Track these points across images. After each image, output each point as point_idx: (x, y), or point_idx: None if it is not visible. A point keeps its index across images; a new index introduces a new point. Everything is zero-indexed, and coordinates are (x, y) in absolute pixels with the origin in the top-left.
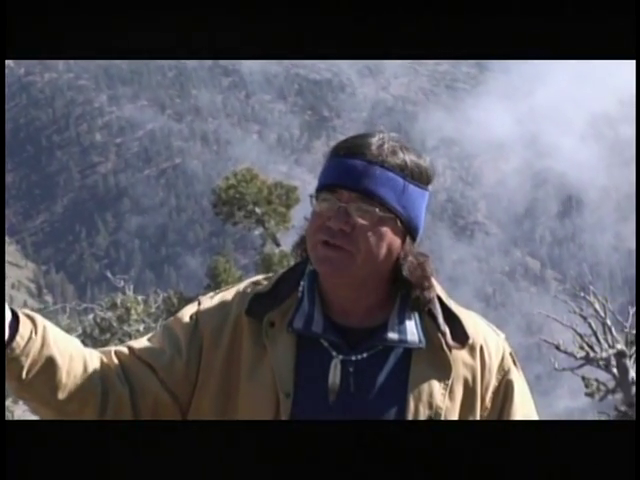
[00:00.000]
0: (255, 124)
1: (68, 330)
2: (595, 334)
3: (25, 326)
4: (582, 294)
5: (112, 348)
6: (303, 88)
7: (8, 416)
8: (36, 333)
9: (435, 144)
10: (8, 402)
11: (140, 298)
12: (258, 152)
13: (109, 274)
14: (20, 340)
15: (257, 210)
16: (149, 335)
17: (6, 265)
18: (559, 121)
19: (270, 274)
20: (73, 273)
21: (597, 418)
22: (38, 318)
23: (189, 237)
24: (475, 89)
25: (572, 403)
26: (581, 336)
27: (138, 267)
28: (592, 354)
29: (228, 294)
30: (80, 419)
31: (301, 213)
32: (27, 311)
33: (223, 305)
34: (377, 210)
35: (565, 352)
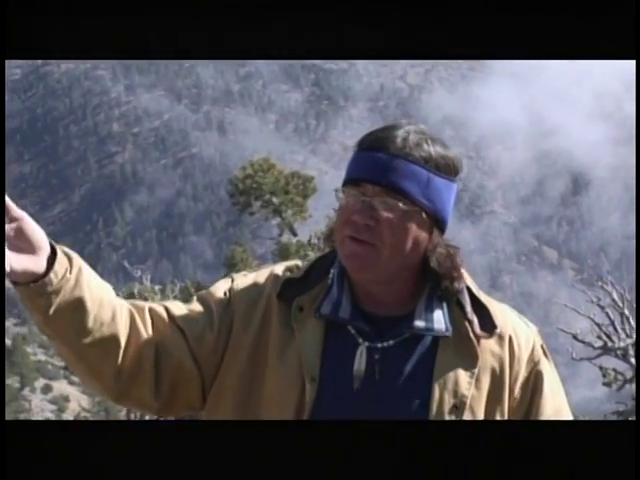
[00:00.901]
0: (272, 114)
1: None
2: (613, 324)
3: (61, 264)
4: (600, 283)
5: (147, 305)
6: (320, 78)
7: (25, 405)
8: (70, 272)
9: (451, 134)
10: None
11: (157, 288)
12: (275, 142)
13: (126, 264)
14: (53, 277)
15: (274, 200)
16: (185, 303)
17: None
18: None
19: (302, 260)
20: (90, 263)
21: (615, 408)
22: (75, 258)
23: (206, 227)
24: (483, 73)
25: (590, 393)
26: (599, 326)
27: (155, 257)
28: (610, 344)
29: (261, 274)
30: (98, 375)
31: (318, 203)
32: (66, 249)
33: (256, 285)
34: (401, 204)
35: (583, 342)
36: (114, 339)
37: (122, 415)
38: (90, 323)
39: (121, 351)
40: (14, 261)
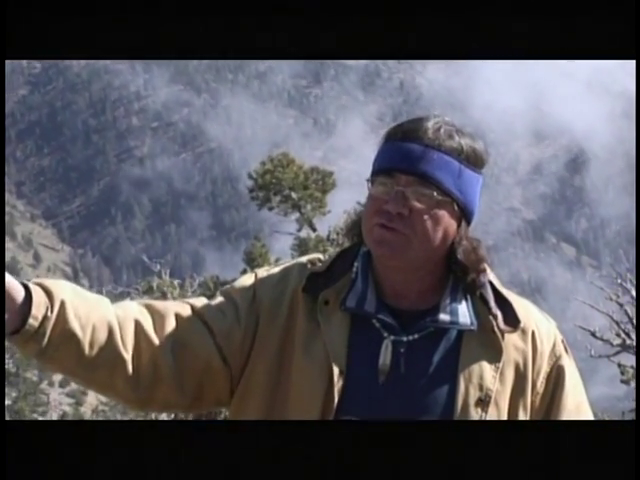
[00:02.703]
0: (291, 109)
1: None
2: (631, 321)
3: (38, 307)
4: (619, 281)
5: (169, 305)
6: (339, 73)
7: (43, 399)
8: (52, 311)
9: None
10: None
11: (176, 282)
12: (294, 137)
13: (145, 258)
14: (33, 322)
15: (293, 195)
16: (209, 299)
17: (42, 249)
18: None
19: (324, 255)
20: (109, 257)
21: (632, 406)
22: (56, 291)
23: (225, 221)
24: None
25: (608, 390)
26: (617, 323)
27: (174, 251)
28: (628, 341)
29: (285, 269)
30: (113, 390)
31: (337, 198)
32: (46, 283)
33: (280, 279)
34: (435, 194)
35: (601, 339)
36: (117, 357)
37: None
38: (87, 350)
39: (128, 364)
40: None
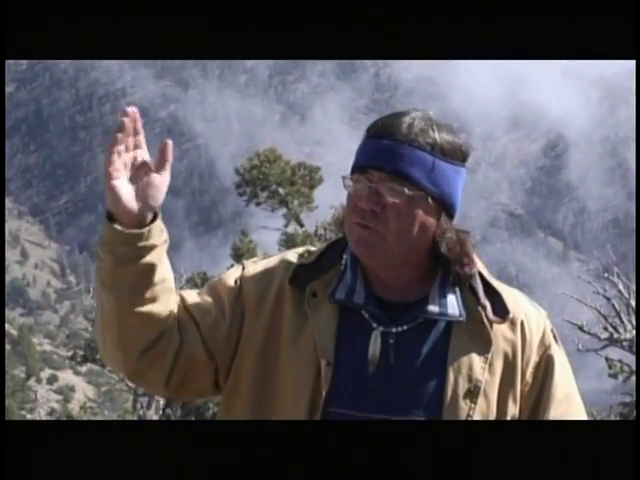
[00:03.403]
0: (278, 105)
1: (91, 310)
2: (619, 315)
3: (159, 228)
4: (606, 275)
5: (179, 294)
6: (326, 69)
7: (31, 396)
8: (161, 240)
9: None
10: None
11: None
12: (281, 132)
13: None
14: (147, 234)
15: (280, 191)
16: (196, 291)
17: (29, 245)
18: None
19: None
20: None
21: (620, 399)
22: (166, 233)
23: (212, 217)
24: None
25: (596, 384)
26: (605, 317)
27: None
28: (616, 335)
29: (272, 261)
30: (126, 345)
31: (324, 194)
32: (161, 224)
33: (267, 271)
34: (406, 189)
35: (589, 333)
36: (157, 318)
37: (128, 406)
38: (147, 293)
39: (156, 333)
40: (129, 199)
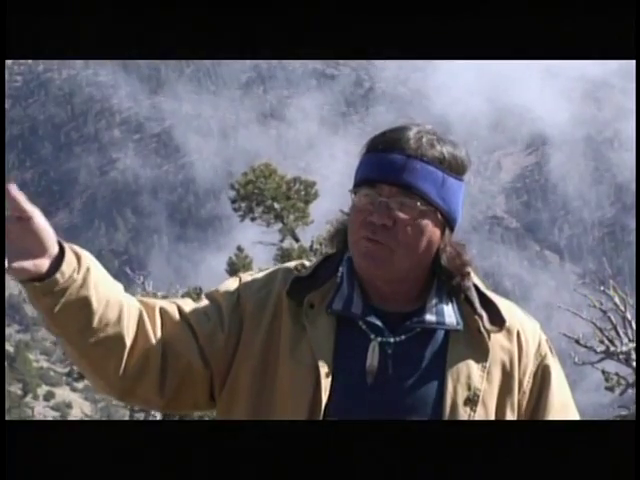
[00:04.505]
0: (273, 119)
1: None
2: (615, 328)
3: (69, 264)
4: (602, 288)
5: (158, 303)
6: (321, 83)
7: (28, 412)
8: (78, 272)
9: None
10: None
11: (160, 294)
12: (276, 147)
13: (128, 270)
14: (60, 277)
15: (276, 205)
16: (195, 302)
17: None
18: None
19: (309, 260)
20: None
21: (617, 412)
22: (85, 257)
23: (208, 233)
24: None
25: (592, 397)
26: (601, 330)
27: (157, 263)
28: (612, 348)
29: (269, 273)
30: (102, 371)
31: (320, 208)
32: (77, 248)
33: (265, 284)
34: (418, 204)
35: (585, 346)
36: (119, 339)
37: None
38: (95, 323)
39: (126, 351)
40: (14, 260)
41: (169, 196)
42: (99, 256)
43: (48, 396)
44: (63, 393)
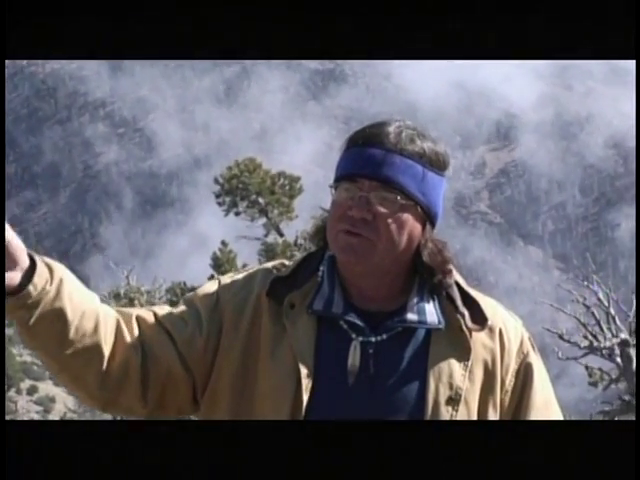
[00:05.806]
0: (257, 114)
1: None
2: (599, 323)
3: (41, 276)
4: (585, 283)
5: (134, 312)
6: (305, 78)
7: (11, 407)
8: (51, 284)
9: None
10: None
11: (143, 289)
12: (261, 142)
13: (112, 264)
14: (32, 289)
15: (260, 200)
16: (172, 307)
17: None
18: None
19: (288, 260)
20: (76, 264)
21: (601, 408)
22: (57, 269)
23: (192, 227)
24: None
25: (576, 392)
26: (585, 325)
27: (141, 257)
28: (596, 343)
29: (248, 275)
30: (81, 382)
31: (304, 203)
32: (48, 260)
33: (244, 285)
34: (398, 198)
35: (569, 341)
36: (97, 349)
37: (107, 416)
38: (71, 334)
39: (105, 360)
40: None
41: (153, 190)
42: (83, 250)
43: (31, 390)
44: (46, 387)
